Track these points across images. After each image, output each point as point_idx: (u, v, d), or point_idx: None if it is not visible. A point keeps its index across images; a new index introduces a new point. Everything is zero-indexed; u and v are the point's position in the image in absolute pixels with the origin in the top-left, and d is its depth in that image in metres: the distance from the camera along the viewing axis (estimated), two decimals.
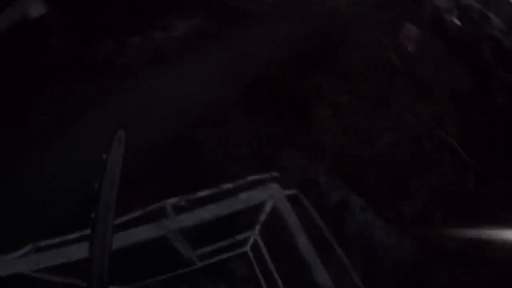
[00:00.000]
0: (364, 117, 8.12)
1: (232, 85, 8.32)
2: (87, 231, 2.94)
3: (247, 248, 5.31)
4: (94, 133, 8.01)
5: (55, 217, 5.97)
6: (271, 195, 3.06)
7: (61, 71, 10.12)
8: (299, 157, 7.35)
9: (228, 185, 3.17)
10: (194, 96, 8.11)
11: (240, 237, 4.45)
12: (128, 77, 9.49)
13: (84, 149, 7.44)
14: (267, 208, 3.35)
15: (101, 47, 10.44)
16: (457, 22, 10.25)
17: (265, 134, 7.64)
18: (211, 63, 9.07)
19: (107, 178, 2.21)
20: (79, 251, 2.56)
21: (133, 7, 10.86)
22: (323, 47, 9.03)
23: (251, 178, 3.27)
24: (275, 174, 3.35)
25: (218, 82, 8.41)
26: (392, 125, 7.93)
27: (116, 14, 10.60)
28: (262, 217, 3.72)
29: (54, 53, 10.52)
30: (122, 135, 2.42)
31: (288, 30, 9.57)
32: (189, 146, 7.28)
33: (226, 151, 7.38)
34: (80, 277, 4.62)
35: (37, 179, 7.00)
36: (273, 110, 7.91)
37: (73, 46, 10.52)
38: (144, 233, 2.57)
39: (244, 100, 8.14)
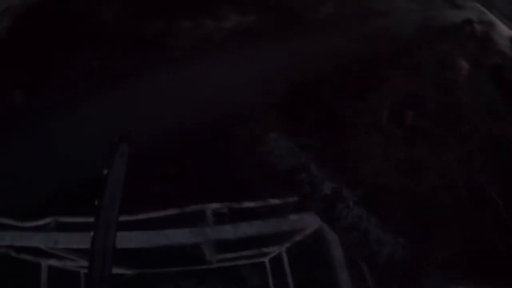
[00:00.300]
0: (405, 148, 7.74)
1: (274, 87, 8.02)
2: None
3: (266, 259, 5.09)
4: (128, 104, 7.91)
5: (75, 190, 5.82)
6: (322, 224, 2.79)
7: (106, 40, 10.10)
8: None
9: (275, 201, 2.91)
10: (234, 89, 7.85)
11: (266, 249, 4.20)
12: (172, 58, 9.39)
13: (112, 120, 7.32)
14: (309, 231, 3.10)
15: (150, 25, 10.38)
16: None
17: (297, 143, 7.34)
18: (256, 61, 8.85)
19: (107, 196, 1.99)
20: None
21: None
22: (374, 69, 8.66)
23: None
24: None
25: (261, 81, 8.12)
26: (433, 165, 7.51)
27: None
28: (298, 237, 3.46)
29: (102, 21, 10.51)
30: (124, 150, 2.15)
31: (343, 44, 9.20)
32: (222, 139, 7.07)
33: (255, 151, 7.14)
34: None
35: (64, 143, 6.90)
36: (310, 121, 7.62)
37: (121, 19, 10.49)
38: (181, 237, 2.31)
39: (282, 104, 7.86)
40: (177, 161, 6.49)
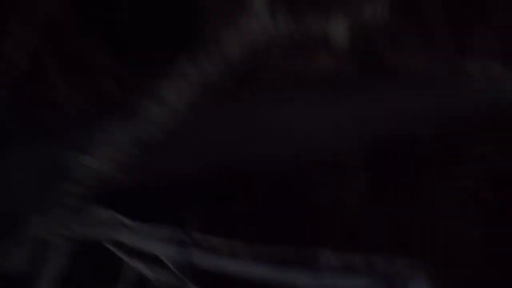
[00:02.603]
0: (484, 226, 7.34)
1: (363, 139, 8.01)
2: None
3: None
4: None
5: None
6: None
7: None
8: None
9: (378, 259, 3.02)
10: (319, 132, 8.01)
11: None
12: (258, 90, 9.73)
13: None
14: None
15: None
16: None
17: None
18: (342, 107, 8.94)
19: None
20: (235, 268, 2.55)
21: None
22: (468, 139, 8.35)
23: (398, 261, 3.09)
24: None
25: (347, 130, 8.14)
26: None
27: None
28: None
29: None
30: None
31: (436, 104, 8.97)
32: (300, 187, 7.18)
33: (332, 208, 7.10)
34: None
35: None
36: (394, 184, 7.48)
37: None
38: (301, 279, 2.47)
39: (365, 161, 7.79)
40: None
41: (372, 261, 2.96)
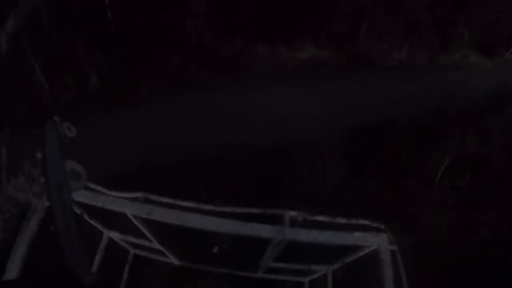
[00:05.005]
0: (459, 209, 7.54)
1: (341, 125, 8.30)
2: (202, 205, 3.09)
3: (306, 279, 5.22)
4: (194, 113, 8.42)
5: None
6: (379, 243, 3.02)
7: (185, 50, 10.85)
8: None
9: (341, 220, 3.17)
10: (299, 119, 8.18)
11: (314, 267, 4.41)
12: (243, 79, 9.87)
13: (178, 124, 7.89)
14: (362, 252, 3.32)
15: (229, 43, 11.05)
16: None
17: (358, 189, 7.36)
18: (325, 96, 9.15)
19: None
20: (194, 221, 2.68)
21: (266, 15, 11.20)
22: (443, 124, 8.60)
23: (362, 221, 3.27)
24: (382, 226, 3.33)
25: (328, 117, 8.43)
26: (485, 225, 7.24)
27: (252, 16, 11.04)
28: (349, 258, 3.66)
29: (185, 31, 11.27)
30: (53, 126, 2.53)
31: (415, 93, 9.29)
32: (280, 164, 7.35)
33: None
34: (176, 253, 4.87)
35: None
36: (371, 165, 7.73)
37: (203, 32, 11.20)
38: (264, 231, 2.62)
39: (347, 143, 8.10)
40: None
41: (336, 221, 3.09)
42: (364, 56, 11.03)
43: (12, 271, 3.05)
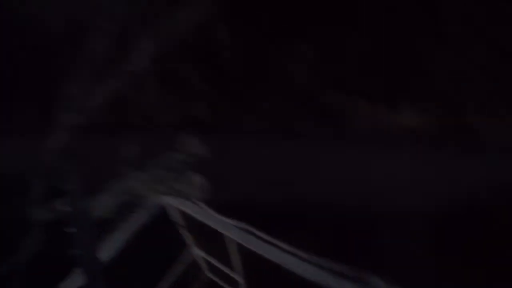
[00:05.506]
0: None
1: (438, 204, 7.65)
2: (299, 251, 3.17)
3: None
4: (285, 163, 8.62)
5: None
6: None
7: (286, 98, 11.30)
8: None
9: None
10: (395, 188, 7.81)
11: None
12: (343, 135, 9.81)
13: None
14: None
15: (331, 95, 11.26)
16: None
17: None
18: (426, 169, 8.55)
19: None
20: (293, 264, 2.78)
21: (373, 72, 11.02)
22: None
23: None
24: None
25: (425, 191, 7.76)
26: None
27: (359, 71, 11.03)
28: None
29: (287, 78, 11.71)
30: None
31: None
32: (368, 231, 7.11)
33: None
34: None
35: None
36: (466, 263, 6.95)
37: (311, 80, 11.48)
38: None
39: (442, 224, 7.47)
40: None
41: None
42: (472, 129, 10.31)
43: (107, 252, 3.33)
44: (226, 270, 4.51)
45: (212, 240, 3.89)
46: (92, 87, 4.69)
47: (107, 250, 3.35)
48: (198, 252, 4.83)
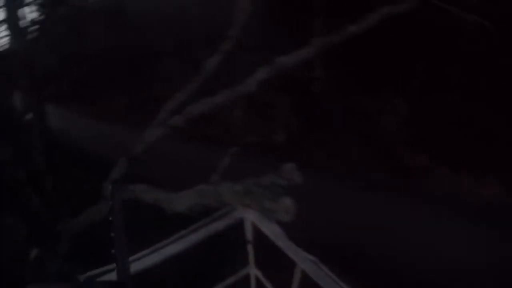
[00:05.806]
0: None
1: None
2: None
3: None
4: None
5: None
6: None
7: (373, 145, 11.13)
8: None
9: None
10: (470, 265, 7.06)
11: None
12: (420, 196, 9.31)
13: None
14: None
15: (417, 156, 10.90)
16: None
17: None
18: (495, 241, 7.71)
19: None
20: None
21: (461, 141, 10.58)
22: None
23: None
24: None
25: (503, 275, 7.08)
26: None
27: (445, 138, 10.54)
28: None
29: (379, 133, 11.54)
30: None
31: None
32: None
33: None
34: None
35: None
36: None
37: (396, 139, 11.19)
38: None
39: None
40: None
41: None
42: None
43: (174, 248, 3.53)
44: None
45: (275, 264, 3.97)
46: (199, 96, 5.17)
47: (174, 247, 3.57)
48: (255, 271, 4.91)
